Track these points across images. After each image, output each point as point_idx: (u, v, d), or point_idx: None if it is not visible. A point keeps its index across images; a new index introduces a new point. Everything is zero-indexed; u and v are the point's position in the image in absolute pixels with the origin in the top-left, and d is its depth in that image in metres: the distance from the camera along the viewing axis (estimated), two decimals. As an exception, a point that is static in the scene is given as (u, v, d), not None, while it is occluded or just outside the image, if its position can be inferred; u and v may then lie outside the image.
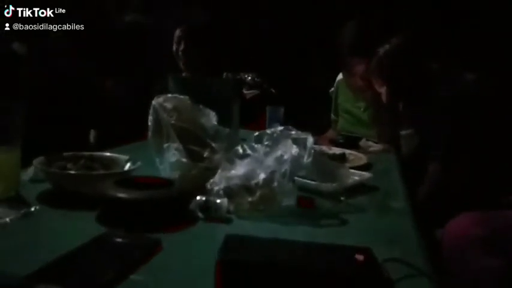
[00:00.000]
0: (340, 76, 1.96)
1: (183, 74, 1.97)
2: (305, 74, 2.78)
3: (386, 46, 1.50)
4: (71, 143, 1.14)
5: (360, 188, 1.06)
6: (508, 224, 1.11)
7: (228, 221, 0.82)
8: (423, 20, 2.20)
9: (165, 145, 1.01)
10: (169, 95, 1.12)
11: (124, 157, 1.01)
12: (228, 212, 0.83)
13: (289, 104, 1.76)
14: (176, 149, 1.00)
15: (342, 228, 0.83)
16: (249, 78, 2.47)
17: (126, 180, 0.84)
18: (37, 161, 0.92)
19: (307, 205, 0.91)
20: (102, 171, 0.94)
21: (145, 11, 2.49)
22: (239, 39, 2.48)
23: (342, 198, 0.97)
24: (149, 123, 1.08)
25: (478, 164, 1.34)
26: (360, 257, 0.58)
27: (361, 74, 1.67)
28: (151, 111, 1.08)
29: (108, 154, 1.03)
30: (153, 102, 1.08)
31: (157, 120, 1.05)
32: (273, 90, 2.52)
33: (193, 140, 1.02)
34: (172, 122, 1.02)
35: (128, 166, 0.98)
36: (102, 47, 1.92)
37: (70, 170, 0.92)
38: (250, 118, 1.73)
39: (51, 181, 0.91)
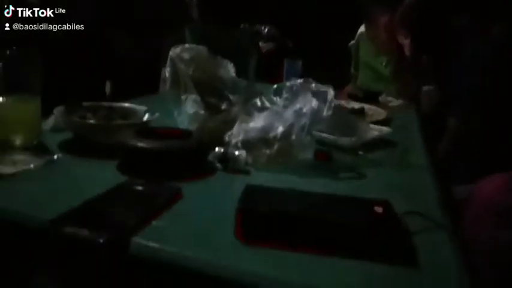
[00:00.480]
0: (361, 29, 1.89)
1: (198, 25, 1.93)
2: (323, 27, 2.70)
3: None
4: (88, 94, 1.14)
5: (378, 142, 1.05)
6: None
7: (246, 172, 0.82)
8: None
9: (183, 96, 1.01)
10: (187, 46, 1.10)
11: (142, 108, 1.01)
12: (246, 164, 0.84)
13: (307, 57, 1.72)
14: (194, 101, 1.00)
15: (360, 182, 0.83)
16: (266, 30, 2.41)
17: (145, 131, 0.85)
18: (57, 110, 0.93)
19: (325, 158, 0.91)
20: (121, 121, 0.94)
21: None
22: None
23: (360, 152, 0.97)
24: (166, 75, 1.07)
25: (502, 123, 1.31)
26: (378, 209, 0.58)
27: (385, 26, 1.60)
28: (168, 62, 1.06)
29: (127, 105, 1.04)
30: (171, 53, 1.06)
31: (175, 72, 1.04)
32: (290, 44, 2.46)
33: (211, 91, 1.02)
34: (190, 73, 1.00)
35: (146, 117, 0.98)
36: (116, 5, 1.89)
37: (90, 119, 0.92)
38: (268, 71, 1.70)
39: (72, 130, 0.92)
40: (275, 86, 0.97)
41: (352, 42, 1.96)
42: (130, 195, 0.66)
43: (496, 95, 1.30)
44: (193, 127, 0.96)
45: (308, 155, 0.89)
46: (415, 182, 0.83)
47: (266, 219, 0.56)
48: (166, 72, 1.05)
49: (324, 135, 1.00)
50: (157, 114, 0.97)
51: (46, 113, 0.93)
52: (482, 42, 1.36)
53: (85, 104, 0.98)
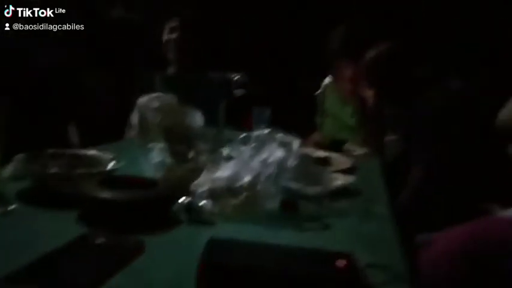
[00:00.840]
0: (327, 79, 1.97)
1: (169, 72, 1.95)
2: (292, 76, 2.79)
3: (374, 51, 1.52)
4: (52, 140, 1.12)
5: (343, 191, 1.07)
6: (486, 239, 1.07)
7: (211, 223, 0.81)
8: (412, 27, 2.23)
9: (150, 145, 1.01)
10: (155, 94, 1.11)
11: (108, 155, 1.00)
12: (212, 214, 0.83)
13: (275, 105, 1.77)
14: (161, 149, 1.00)
15: (325, 233, 0.83)
16: (236, 77, 2.46)
17: (109, 180, 0.83)
18: (18, 157, 0.91)
19: (291, 208, 0.92)
20: (84, 170, 0.92)
21: (132, 8, 2.47)
22: (228, 37, 2.47)
23: (326, 201, 0.98)
24: (134, 123, 1.07)
25: (459, 171, 1.36)
26: (341, 263, 0.58)
27: (349, 78, 1.68)
28: (136, 110, 1.07)
29: (91, 152, 1.02)
30: (138, 101, 1.07)
31: (142, 120, 1.05)
32: (259, 91, 2.52)
33: (178, 140, 1.02)
34: (158, 121, 1.01)
35: (111, 165, 0.97)
36: (87, 42, 1.89)
37: (52, 168, 0.90)
38: (237, 118, 1.73)
39: (33, 179, 0.90)
40: (242, 135, 0.99)
41: (319, 91, 2.04)
42: (89, 249, 0.64)
43: (453, 146, 1.36)
44: (159, 176, 0.96)
45: (274, 204, 0.90)
46: (379, 232, 0.84)
47: (228, 274, 0.55)
48: (134, 120, 1.06)
49: (290, 184, 1.01)
50: (122, 163, 0.96)
51: (7, 159, 0.90)
52: (441, 94, 1.44)
53: (47, 151, 0.96)
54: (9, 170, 0.94)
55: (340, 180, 1.12)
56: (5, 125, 0.82)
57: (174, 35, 1.89)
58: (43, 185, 0.88)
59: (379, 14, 2.40)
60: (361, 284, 0.55)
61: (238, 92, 2.15)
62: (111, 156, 1.00)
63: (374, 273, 0.62)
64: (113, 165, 0.96)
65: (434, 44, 2.09)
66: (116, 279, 0.57)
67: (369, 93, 1.53)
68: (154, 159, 0.99)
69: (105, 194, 0.77)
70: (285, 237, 0.78)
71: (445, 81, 1.55)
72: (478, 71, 2.05)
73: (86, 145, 1.12)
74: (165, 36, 1.93)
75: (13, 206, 0.80)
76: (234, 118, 1.76)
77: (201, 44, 1.91)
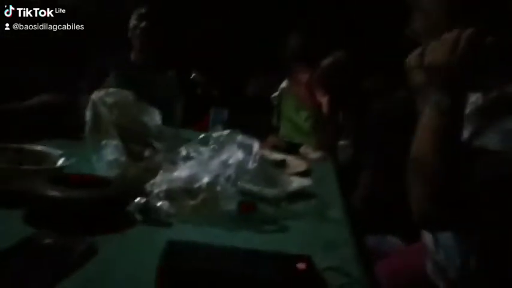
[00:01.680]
0: (284, 84, 1.99)
1: (130, 59, 1.88)
2: (247, 77, 2.80)
3: (330, 58, 1.56)
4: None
5: (299, 194, 1.08)
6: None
7: (168, 224, 0.79)
8: (367, 35, 2.30)
9: (103, 142, 0.96)
10: (111, 90, 1.07)
11: (57, 152, 0.95)
12: (169, 215, 0.81)
13: (231, 106, 1.76)
14: (115, 147, 0.96)
15: (282, 235, 0.84)
16: (192, 77, 2.43)
17: (59, 178, 0.79)
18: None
19: (249, 209, 0.91)
20: (32, 166, 0.87)
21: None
22: (187, 34, 2.44)
23: (283, 203, 0.99)
24: (86, 118, 1.02)
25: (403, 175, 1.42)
26: (301, 266, 0.59)
27: (305, 83, 1.71)
28: (89, 105, 1.02)
29: (39, 148, 0.96)
30: (93, 96, 1.02)
31: (95, 115, 1.00)
32: (215, 92, 2.50)
33: (134, 138, 0.99)
34: (113, 118, 0.97)
35: (60, 162, 0.91)
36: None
37: (-5, 163, 0.84)
38: (193, 118, 1.70)
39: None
40: (201, 135, 0.97)
41: (275, 94, 2.05)
42: (37, 252, 0.60)
43: (398, 150, 1.42)
44: (112, 174, 0.92)
45: (232, 206, 0.89)
46: (334, 235, 0.86)
47: (187, 278, 0.54)
48: (87, 116, 1.01)
49: (249, 186, 1.01)
50: (73, 160, 0.92)
51: None
52: (384, 104, 1.51)
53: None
54: None
55: (296, 182, 1.13)
56: None
57: (142, 23, 1.83)
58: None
59: (336, 22, 2.46)
60: (320, 287, 0.56)
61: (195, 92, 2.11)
62: (60, 153, 0.94)
63: (331, 277, 0.63)
64: (63, 162, 0.91)
65: (387, 53, 2.18)
66: (67, 283, 0.54)
67: (323, 99, 1.57)
68: (108, 157, 0.95)
69: (55, 192, 0.72)
70: (243, 239, 0.78)
71: (395, 90, 1.62)
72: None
73: (33, 141, 1.05)
74: (132, 23, 1.86)
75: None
76: (191, 118, 1.73)
77: (165, 36, 1.87)
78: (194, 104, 1.78)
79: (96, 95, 1.00)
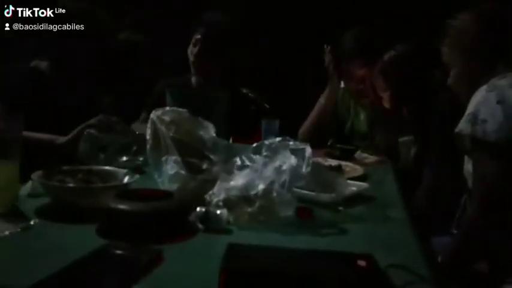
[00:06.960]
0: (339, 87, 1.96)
1: (187, 83, 1.96)
2: (299, 89, 2.81)
3: (392, 52, 1.52)
4: (67, 158, 1.13)
5: (357, 198, 1.07)
6: None
7: (228, 231, 0.82)
8: (427, 28, 2.23)
9: (164, 158, 1.01)
10: (168, 108, 1.13)
11: (122, 170, 1.01)
12: (228, 223, 0.83)
13: (283, 118, 1.77)
14: (175, 162, 1.00)
15: (342, 237, 0.83)
16: (243, 92, 2.48)
17: (126, 193, 0.84)
18: (35, 175, 0.92)
19: (306, 216, 0.91)
20: (101, 184, 0.94)
21: (139, 29, 2.51)
22: (238, 56, 2.50)
23: (340, 208, 0.98)
24: (147, 137, 1.08)
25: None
26: (362, 263, 0.58)
27: (361, 78, 1.68)
28: (149, 124, 1.08)
29: (106, 167, 1.03)
30: (151, 115, 1.08)
31: (155, 133, 1.06)
32: (267, 106, 2.53)
33: (191, 152, 1.03)
34: (171, 134, 1.02)
35: (126, 179, 0.98)
36: (97, 66, 1.91)
37: (69, 183, 0.91)
38: (246, 133, 1.73)
39: (50, 195, 0.91)
40: (254, 144, 0.99)
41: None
42: (108, 261, 0.64)
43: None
44: (174, 188, 0.96)
45: (289, 212, 0.90)
46: (396, 235, 0.84)
47: (249, 279, 0.55)
48: (147, 134, 1.07)
49: (304, 192, 1.01)
50: (137, 176, 0.97)
51: (24, 178, 0.91)
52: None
53: (64, 168, 0.98)
54: (27, 187, 0.95)
55: (353, 187, 1.12)
56: (22, 142, 0.84)
57: (195, 49, 1.88)
58: (61, 200, 0.89)
59: (391, 16, 2.41)
60: (383, 283, 0.55)
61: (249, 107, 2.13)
62: (125, 171, 1.01)
63: (395, 275, 0.61)
64: (129, 179, 0.97)
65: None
66: (137, 288, 0.58)
67: (384, 95, 1.54)
68: (169, 172, 0.99)
69: (123, 206, 0.78)
70: (302, 243, 0.78)
71: None
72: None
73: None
74: (189, 49, 1.93)
75: (32, 222, 0.81)
76: (243, 133, 1.76)
77: (218, 59, 1.92)
78: (249, 120, 1.81)
79: (154, 114, 1.06)
